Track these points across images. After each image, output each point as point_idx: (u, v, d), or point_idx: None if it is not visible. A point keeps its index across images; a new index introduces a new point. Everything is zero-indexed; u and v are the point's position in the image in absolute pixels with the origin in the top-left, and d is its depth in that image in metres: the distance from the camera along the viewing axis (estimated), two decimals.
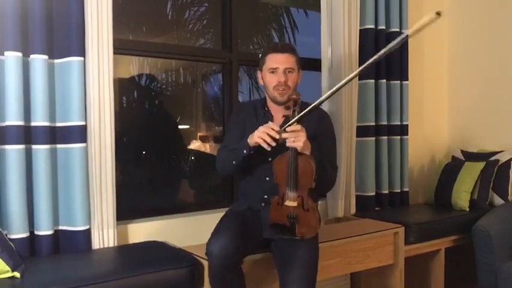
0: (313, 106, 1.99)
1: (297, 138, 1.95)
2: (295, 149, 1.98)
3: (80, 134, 2.24)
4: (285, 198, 2.04)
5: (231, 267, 1.96)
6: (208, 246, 1.94)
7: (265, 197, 2.19)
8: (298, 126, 1.97)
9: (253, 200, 2.24)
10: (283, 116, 2.11)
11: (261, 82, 2.25)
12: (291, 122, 1.99)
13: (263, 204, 2.20)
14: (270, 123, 2.04)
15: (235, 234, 1.97)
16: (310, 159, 2.00)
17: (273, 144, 1.97)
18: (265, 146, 1.98)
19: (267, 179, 2.18)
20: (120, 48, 2.47)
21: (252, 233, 2.11)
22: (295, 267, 1.98)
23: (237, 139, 2.20)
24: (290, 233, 2.05)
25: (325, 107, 3.08)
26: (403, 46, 3.33)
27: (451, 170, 3.39)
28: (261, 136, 1.98)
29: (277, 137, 1.96)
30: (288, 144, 1.98)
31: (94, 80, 2.27)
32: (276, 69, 2.14)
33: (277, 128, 1.99)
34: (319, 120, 2.26)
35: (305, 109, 1.99)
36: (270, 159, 2.15)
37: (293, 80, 2.15)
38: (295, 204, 2.02)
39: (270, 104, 2.26)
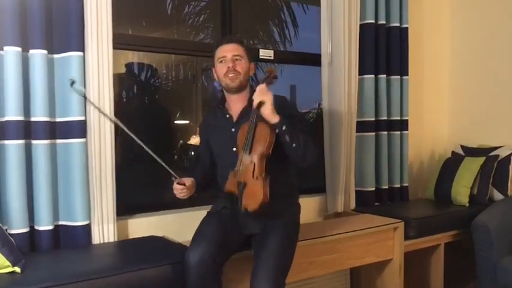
0: None
1: (265, 97, 1.98)
2: (258, 114, 2.00)
3: (79, 129, 2.24)
4: (240, 164, 2.06)
5: (209, 277, 1.95)
6: (186, 256, 1.94)
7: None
8: (263, 88, 2.01)
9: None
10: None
11: (216, 78, 2.28)
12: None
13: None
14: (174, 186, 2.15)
15: (212, 241, 1.98)
16: (270, 128, 2.02)
17: (184, 193, 2.13)
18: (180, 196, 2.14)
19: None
20: (120, 43, 2.47)
21: (231, 232, 2.11)
22: (264, 258, 1.97)
23: (203, 155, 2.38)
24: (238, 204, 2.05)
25: (324, 102, 3.09)
26: (404, 41, 3.32)
27: (450, 165, 3.39)
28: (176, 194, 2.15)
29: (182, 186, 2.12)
30: (254, 104, 2.00)
31: (94, 75, 2.27)
32: (224, 58, 2.18)
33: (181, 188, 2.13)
34: (280, 109, 2.16)
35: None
36: (234, 149, 2.17)
37: (242, 66, 2.18)
38: (246, 167, 2.04)
39: (227, 96, 2.28)
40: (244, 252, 2.16)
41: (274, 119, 2.00)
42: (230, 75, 2.17)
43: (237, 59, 2.17)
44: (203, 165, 2.39)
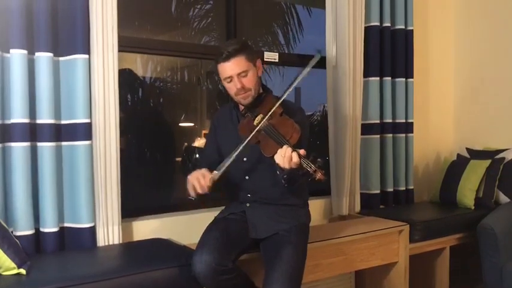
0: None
1: (287, 166, 1.85)
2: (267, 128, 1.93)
3: (85, 131, 2.24)
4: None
5: (223, 280, 1.92)
6: (192, 264, 1.92)
7: (249, 195, 2.19)
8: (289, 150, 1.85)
9: (238, 201, 2.22)
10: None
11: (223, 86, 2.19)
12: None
13: (248, 204, 2.19)
14: (203, 170, 2.00)
15: (216, 246, 1.95)
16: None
17: (199, 191, 1.96)
18: (191, 193, 1.98)
19: (247, 178, 2.17)
20: (125, 45, 2.47)
21: (237, 234, 2.09)
22: (279, 266, 1.94)
23: (209, 151, 2.28)
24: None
25: (329, 105, 3.09)
26: (409, 43, 3.32)
27: (456, 167, 3.38)
28: (192, 182, 1.98)
29: (205, 191, 1.95)
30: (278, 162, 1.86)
31: (99, 77, 2.27)
32: (230, 78, 2.07)
33: (208, 177, 1.96)
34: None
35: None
36: (245, 159, 2.13)
37: (250, 80, 2.07)
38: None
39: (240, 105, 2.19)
40: (252, 254, 2.15)
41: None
42: (241, 94, 2.08)
43: (243, 76, 2.06)
44: (210, 163, 2.16)
